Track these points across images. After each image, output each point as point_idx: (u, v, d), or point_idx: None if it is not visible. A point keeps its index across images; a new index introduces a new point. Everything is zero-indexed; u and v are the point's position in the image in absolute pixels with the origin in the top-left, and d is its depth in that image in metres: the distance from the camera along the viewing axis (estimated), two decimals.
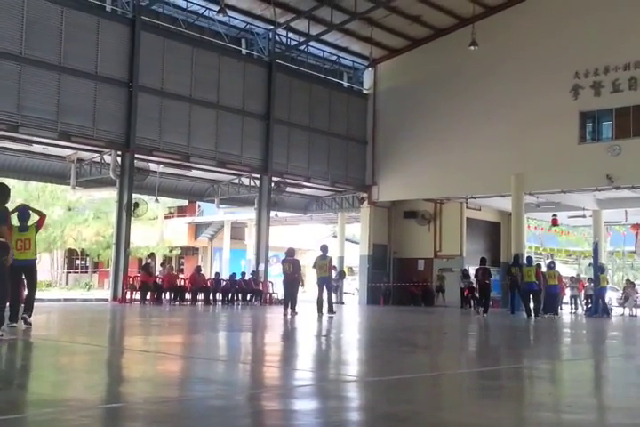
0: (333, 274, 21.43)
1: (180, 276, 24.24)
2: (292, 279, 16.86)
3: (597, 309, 21.68)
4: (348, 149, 28.86)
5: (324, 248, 16.97)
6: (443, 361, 7.89)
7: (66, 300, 24.17)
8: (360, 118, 29.30)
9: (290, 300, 16.71)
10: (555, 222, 29.58)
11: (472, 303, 23.80)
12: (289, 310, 16.36)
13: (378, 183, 28.81)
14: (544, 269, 21.02)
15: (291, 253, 17.36)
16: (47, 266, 42.27)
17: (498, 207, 29.45)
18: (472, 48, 23.94)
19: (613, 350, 10.97)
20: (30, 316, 9.79)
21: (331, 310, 16.50)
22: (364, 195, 29.21)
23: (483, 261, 20.59)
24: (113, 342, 9.47)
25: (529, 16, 25.15)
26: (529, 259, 21.46)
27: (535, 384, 6.20)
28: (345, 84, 29.81)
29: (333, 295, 17.36)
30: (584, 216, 28.94)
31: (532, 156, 24.21)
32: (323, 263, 16.67)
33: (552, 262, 22.84)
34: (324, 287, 16.73)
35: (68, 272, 44.04)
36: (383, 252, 29.82)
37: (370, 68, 29.24)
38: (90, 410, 4.15)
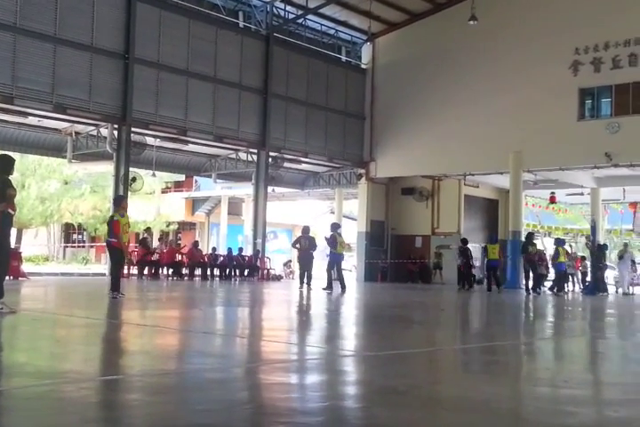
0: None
1: (180, 251, 24.23)
2: (308, 255, 17.35)
3: (558, 285, 20.68)
4: (346, 125, 28.71)
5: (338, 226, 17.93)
6: (440, 337, 7.92)
7: (63, 274, 24.22)
8: (358, 93, 29.10)
9: (305, 275, 17.23)
10: (552, 200, 29.58)
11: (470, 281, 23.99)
12: (305, 285, 16.91)
13: (376, 159, 28.72)
14: (551, 245, 21.35)
15: (306, 230, 18.05)
16: (44, 240, 42.30)
17: (496, 184, 29.40)
18: (471, 22, 23.68)
19: (610, 327, 11.02)
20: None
21: (344, 287, 16.86)
22: (362, 171, 29.11)
23: (464, 241, 21.82)
24: (111, 316, 9.48)
25: None
26: (494, 237, 22.25)
27: (532, 360, 6.23)
28: (343, 58, 29.56)
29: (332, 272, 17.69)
30: (582, 194, 28.94)
31: (530, 133, 24.11)
32: (342, 240, 17.42)
33: (561, 240, 22.68)
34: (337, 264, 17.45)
35: (65, 246, 44.07)
36: (381, 228, 29.82)
37: (368, 43, 28.99)
38: (88, 382, 4.15)
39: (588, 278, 24.06)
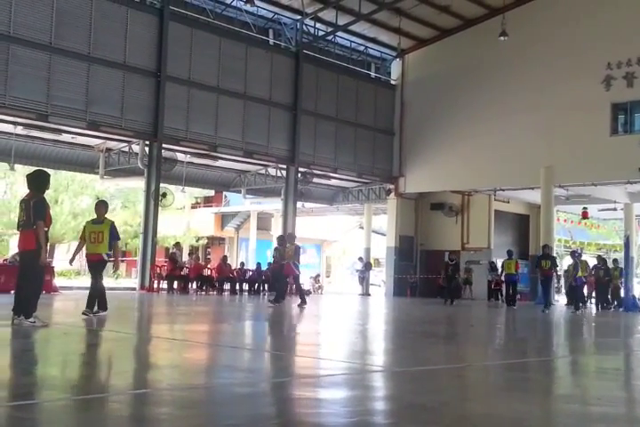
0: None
1: (207, 266, 24.37)
2: (280, 267, 16.21)
3: (576, 301, 19.37)
4: (375, 141, 28.74)
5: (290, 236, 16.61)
6: (469, 353, 7.83)
7: None
8: (387, 109, 29.14)
9: (280, 288, 16.07)
10: (585, 215, 29.24)
11: (500, 296, 23.83)
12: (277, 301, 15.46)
13: (405, 175, 28.67)
14: (567, 259, 20.97)
15: (280, 241, 17.12)
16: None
17: (527, 200, 29.16)
18: (502, 38, 23.67)
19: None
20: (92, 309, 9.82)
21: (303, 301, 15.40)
22: (391, 186, 29.09)
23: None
24: (140, 330, 9.54)
25: (560, 5, 24.78)
26: (509, 252, 21.93)
27: (563, 377, 6.13)
28: (372, 74, 29.66)
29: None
30: (615, 209, 28.57)
31: (562, 148, 23.92)
32: (291, 248, 15.65)
33: (575, 252, 22.08)
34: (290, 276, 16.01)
35: None
36: (410, 243, 29.71)
37: (398, 59, 29.06)
38: (118, 395, 4.18)
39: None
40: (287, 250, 15.83)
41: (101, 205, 10.39)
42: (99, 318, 9.65)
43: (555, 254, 21.47)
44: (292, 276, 15.77)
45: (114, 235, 9.95)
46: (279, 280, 16.53)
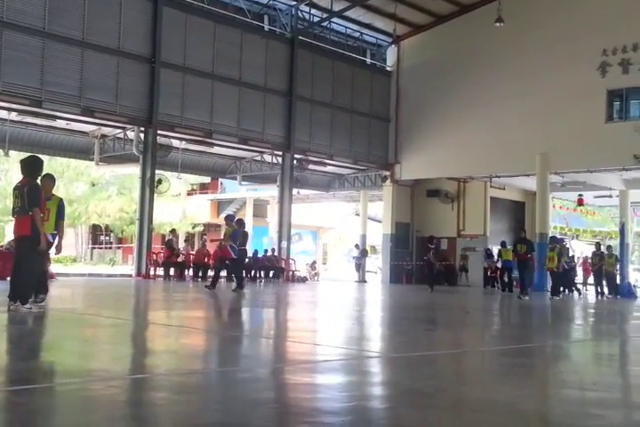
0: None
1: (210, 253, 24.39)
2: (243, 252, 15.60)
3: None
4: (371, 127, 28.68)
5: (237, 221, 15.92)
6: (466, 339, 7.88)
7: (90, 275, 24.48)
8: (383, 96, 29.05)
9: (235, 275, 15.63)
10: (580, 202, 29.26)
11: (497, 284, 23.93)
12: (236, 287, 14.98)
13: (401, 161, 28.64)
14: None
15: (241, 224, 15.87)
16: (72, 241, 42.77)
17: (522, 186, 29.19)
18: (498, 24, 23.52)
19: (636, 330, 10.89)
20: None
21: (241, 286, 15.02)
22: (387, 173, 29.07)
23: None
24: (137, 316, 9.56)
25: None
26: (503, 243, 22.06)
27: (559, 362, 6.17)
28: (368, 61, 29.53)
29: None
30: (610, 196, 28.61)
31: (557, 134, 23.89)
32: (228, 230, 15.20)
33: (555, 237, 21.41)
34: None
35: (93, 248, 44.52)
36: (406, 230, 29.74)
37: (393, 45, 28.93)
38: (116, 380, 4.19)
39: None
40: (225, 231, 15.45)
41: (48, 180, 9.08)
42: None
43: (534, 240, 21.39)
44: (228, 258, 15.11)
45: (61, 213, 9.04)
46: (233, 266, 15.67)
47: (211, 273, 21.95)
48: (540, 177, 24.67)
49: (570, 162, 23.96)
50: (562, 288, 20.48)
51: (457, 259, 28.68)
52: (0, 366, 4.66)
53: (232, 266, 15.59)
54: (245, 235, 15.82)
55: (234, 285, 15.26)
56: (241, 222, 16.04)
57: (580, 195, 28.48)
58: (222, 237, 15.82)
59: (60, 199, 9.22)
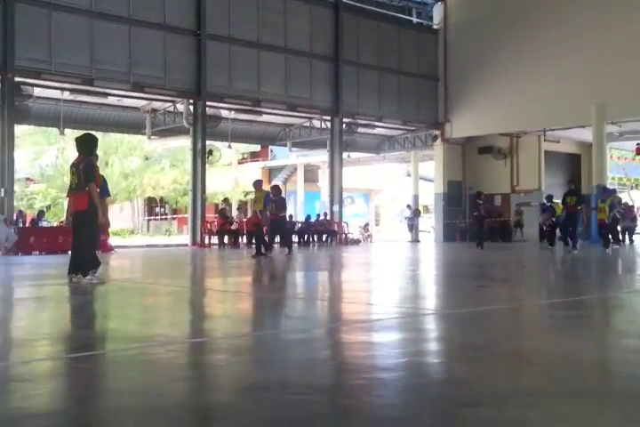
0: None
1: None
2: (277, 219, 15.52)
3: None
4: (419, 87, 28.26)
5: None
6: (521, 293, 7.82)
7: (148, 246, 25.07)
8: (431, 55, 28.53)
9: (270, 240, 15.90)
10: (639, 151, 28.40)
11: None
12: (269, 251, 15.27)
13: (451, 120, 28.21)
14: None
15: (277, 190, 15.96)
16: (129, 214, 43.75)
17: (578, 138, 28.45)
18: None
19: None
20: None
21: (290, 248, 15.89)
22: (437, 132, 28.71)
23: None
24: (194, 283, 9.77)
25: None
26: (550, 196, 21.49)
27: (617, 313, 6.09)
28: (414, 20, 28.97)
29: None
30: None
31: (613, 84, 23.07)
32: (260, 196, 15.14)
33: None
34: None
35: (149, 219, 45.43)
36: (458, 188, 29.46)
37: (439, 2, 28.26)
38: (175, 344, 4.31)
39: None
40: (256, 196, 15.38)
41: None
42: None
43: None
44: (259, 223, 15.20)
45: (105, 190, 9.31)
46: (280, 231, 16.24)
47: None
48: (597, 128, 24.01)
49: (627, 111, 23.21)
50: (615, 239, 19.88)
51: (511, 215, 28.29)
52: (65, 334, 4.86)
53: (257, 232, 15.60)
54: (282, 201, 15.84)
55: (253, 250, 15.41)
56: (277, 189, 16.09)
57: (639, 144, 27.64)
58: (254, 202, 15.73)
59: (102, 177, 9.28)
